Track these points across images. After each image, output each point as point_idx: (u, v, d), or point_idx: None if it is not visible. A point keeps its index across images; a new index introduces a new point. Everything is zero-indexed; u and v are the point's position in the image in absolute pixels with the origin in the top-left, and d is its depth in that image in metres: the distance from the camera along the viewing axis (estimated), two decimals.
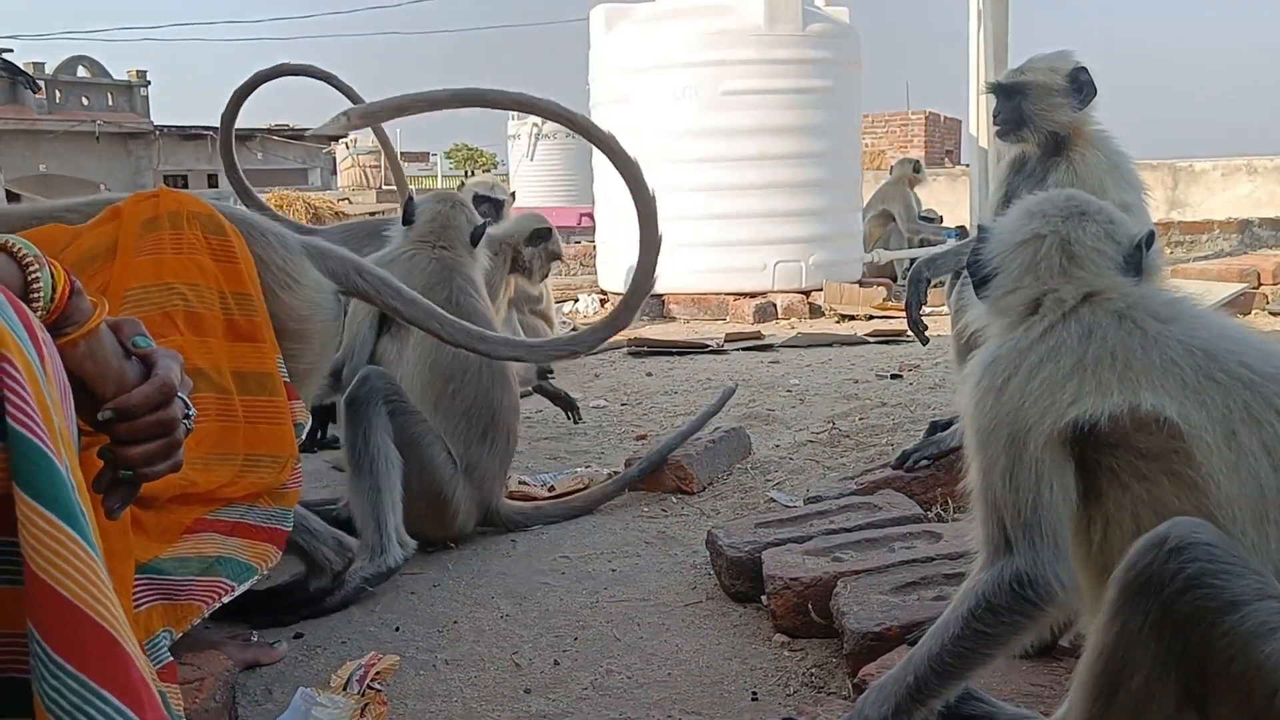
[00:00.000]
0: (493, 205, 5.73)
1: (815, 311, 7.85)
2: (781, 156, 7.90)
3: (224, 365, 2.16)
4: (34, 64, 25.99)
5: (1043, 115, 2.99)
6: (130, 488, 1.27)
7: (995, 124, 3.11)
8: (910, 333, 3.32)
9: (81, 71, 29.09)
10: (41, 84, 25.74)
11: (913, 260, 9.67)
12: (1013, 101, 3.03)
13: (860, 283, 8.31)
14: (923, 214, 10.28)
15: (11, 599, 0.97)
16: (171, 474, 1.30)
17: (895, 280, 9.06)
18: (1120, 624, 1.37)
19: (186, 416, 1.29)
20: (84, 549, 0.97)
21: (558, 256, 4.88)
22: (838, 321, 7.58)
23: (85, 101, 28.49)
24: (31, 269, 1.13)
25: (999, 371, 1.56)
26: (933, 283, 3.26)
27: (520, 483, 3.55)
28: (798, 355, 6.11)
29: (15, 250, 1.14)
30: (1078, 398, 1.48)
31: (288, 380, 2.29)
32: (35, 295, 1.12)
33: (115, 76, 29.72)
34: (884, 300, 7.83)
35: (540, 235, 4.75)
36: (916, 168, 10.23)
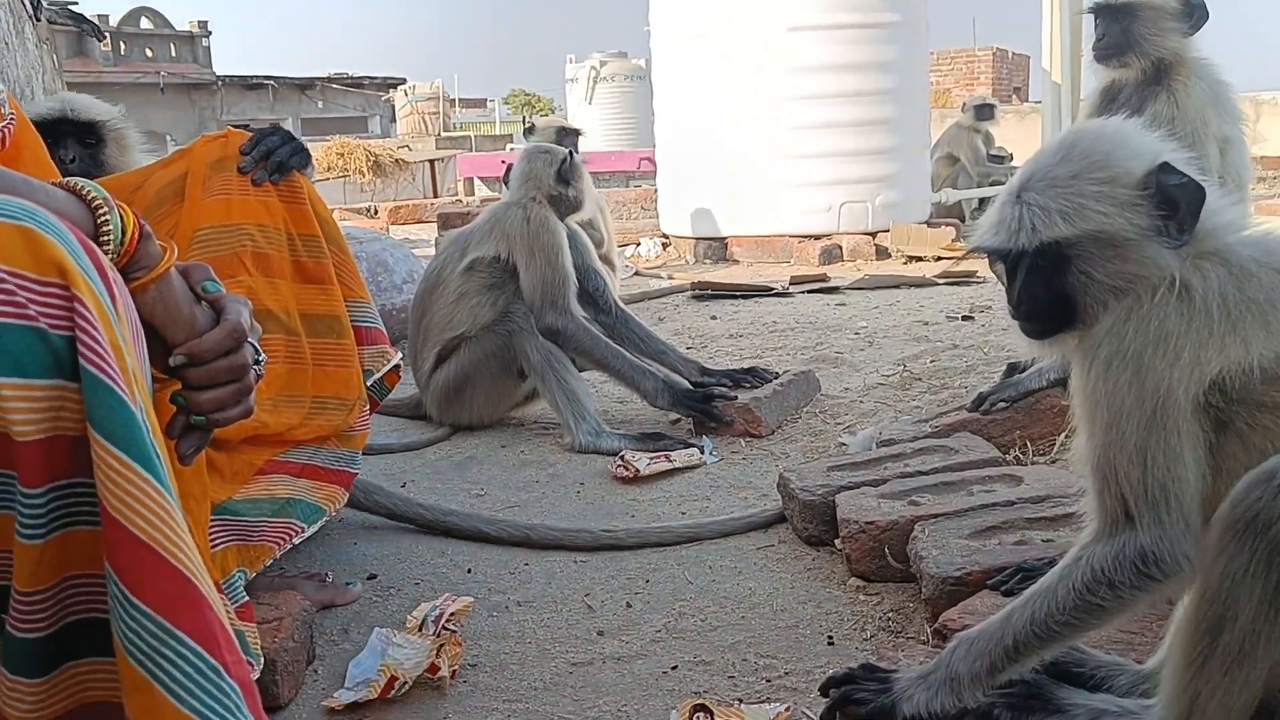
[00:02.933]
0: (572, 136, 5.76)
1: (882, 253, 7.70)
2: (847, 94, 7.70)
3: (292, 307, 2.15)
4: (99, 15, 26.20)
5: (1151, 39, 2.85)
6: (203, 433, 1.26)
7: (1096, 47, 2.96)
8: (992, 273, 3.22)
9: (145, 23, 29.37)
10: (106, 35, 26.02)
11: (982, 200, 9.45)
12: (1121, 24, 2.88)
13: (928, 223, 8.13)
14: (993, 152, 10.01)
15: (90, 540, 0.97)
16: (246, 419, 1.29)
17: (964, 220, 8.86)
18: (1224, 564, 1.30)
19: (256, 362, 1.28)
20: (158, 491, 0.96)
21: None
22: (905, 263, 7.43)
23: (149, 53, 28.78)
24: (101, 212, 1.12)
25: (1129, 342, 1.44)
26: None
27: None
28: (865, 297, 6.00)
29: (85, 193, 1.13)
30: (1222, 353, 1.38)
31: (359, 324, 2.28)
32: (105, 238, 1.11)
33: (177, 27, 29.96)
34: (953, 241, 7.65)
35: (567, 131, 4.83)
36: (985, 113, 9.90)
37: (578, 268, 3.75)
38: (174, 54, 29.39)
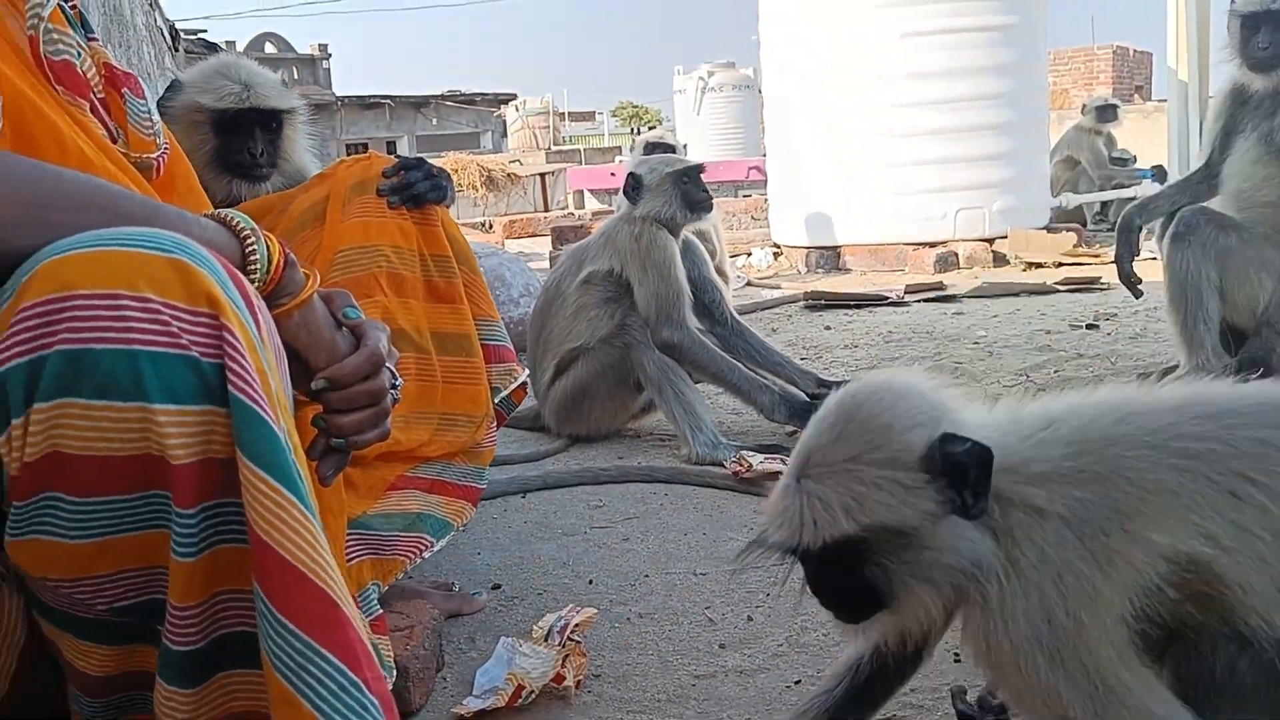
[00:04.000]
0: (664, 151, 5.73)
1: (1000, 260, 7.55)
2: (963, 99, 7.59)
3: (424, 326, 2.22)
4: (227, 42, 27.31)
5: None
6: (342, 455, 1.32)
7: (1256, 55, 2.86)
8: (1120, 283, 3.14)
9: (269, 47, 30.52)
10: None
11: (1105, 205, 9.18)
12: None
13: (1048, 228, 7.94)
14: (1115, 155, 9.71)
15: (238, 558, 1.01)
16: (383, 441, 1.35)
17: (1085, 225, 8.62)
18: None
19: (394, 386, 1.34)
20: (302, 512, 0.99)
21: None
22: (1024, 270, 7.26)
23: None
24: (249, 242, 1.18)
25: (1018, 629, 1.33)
26: (1143, 229, 3.07)
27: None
28: (983, 305, 5.89)
29: (234, 224, 1.19)
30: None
31: (488, 342, 2.34)
32: (252, 267, 1.17)
33: (299, 51, 31.06)
34: (1074, 246, 7.46)
35: (655, 145, 4.85)
36: (1108, 114, 9.61)
37: (693, 280, 3.77)
38: (296, 76, 30.43)
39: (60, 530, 1.03)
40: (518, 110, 28.54)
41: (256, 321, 1.08)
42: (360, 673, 1.01)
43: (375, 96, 31.10)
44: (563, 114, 31.99)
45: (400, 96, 31.70)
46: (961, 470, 1.30)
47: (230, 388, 0.99)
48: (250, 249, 1.18)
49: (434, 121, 32.18)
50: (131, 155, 1.54)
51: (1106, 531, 1.29)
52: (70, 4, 1.68)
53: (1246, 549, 1.26)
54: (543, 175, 19.52)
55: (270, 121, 2.39)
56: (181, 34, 5.23)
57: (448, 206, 2.31)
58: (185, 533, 1.01)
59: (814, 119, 7.92)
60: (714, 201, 3.93)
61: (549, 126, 28.32)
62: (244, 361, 1.01)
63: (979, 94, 7.61)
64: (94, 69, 1.61)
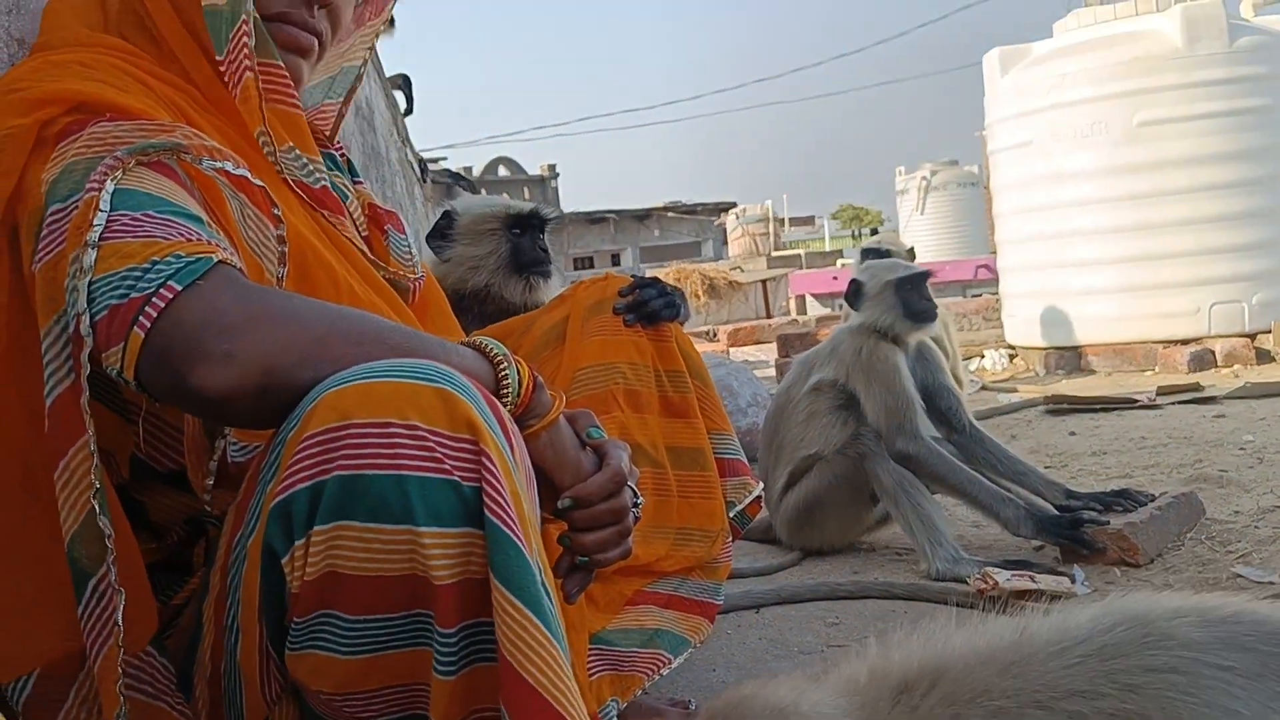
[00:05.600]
0: (880, 258, 5.60)
1: (1263, 357, 6.97)
2: (1209, 187, 7.16)
3: (659, 441, 2.23)
4: (464, 168, 29.30)
5: None
6: (587, 573, 1.34)
7: None
8: None
9: (502, 171, 32.49)
10: (475, 186, 29.05)
11: None
12: None
13: None
14: None
15: (493, 677, 1.02)
16: (625, 560, 1.35)
17: None
18: None
19: (635, 504, 1.35)
20: (547, 637, 1.01)
21: None
22: None
23: (506, 197, 31.69)
24: (502, 367, 1.23)
25: None
26: None
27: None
28: (1247, 407, 5.43)
29: (488, 350, 1.24)
30: None
31: (722, 456, 2.33)
32: (505, 391, 1.21)
33: (530, 172, 32.87)
34: None
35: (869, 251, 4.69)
36: None
37: (928, 385, 3.66)
38: (527, 196, 32.13)
39: (334, 646, 1.08)
40: (737, 218, 28.99)
41: (511, 445, 1.11)
42: None
43: (601, 212, 32.43)
44: (782, 220, 32.27)
45: (624, 210, 32.92)
46: None
47: (486, 511, 1.02)
48: (503, 373, 1.23)
49: (656, 233, 33.16)
50: (390, 274, 1.64)
51: None
52: (339, 149, 1.83)
53: None
54: (764, 282, 19.65)
55: (547, 225, 2.71)
56: (429, 167, 5.62)
57: (682, 323, 2.35)
58: (446, 652, 1.04)
59: (1045, 213, 7.65)
60: (939, 308, 3.81)
61: (769, 233, 28.58)
62: (500, 486, 1.04)
63: (1226, 181, 7.16)
64: (359, 209, 1.74)
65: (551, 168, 34.10)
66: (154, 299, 1.06)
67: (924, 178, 20.08)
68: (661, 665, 2.14)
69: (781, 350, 8.62)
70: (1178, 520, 3.37)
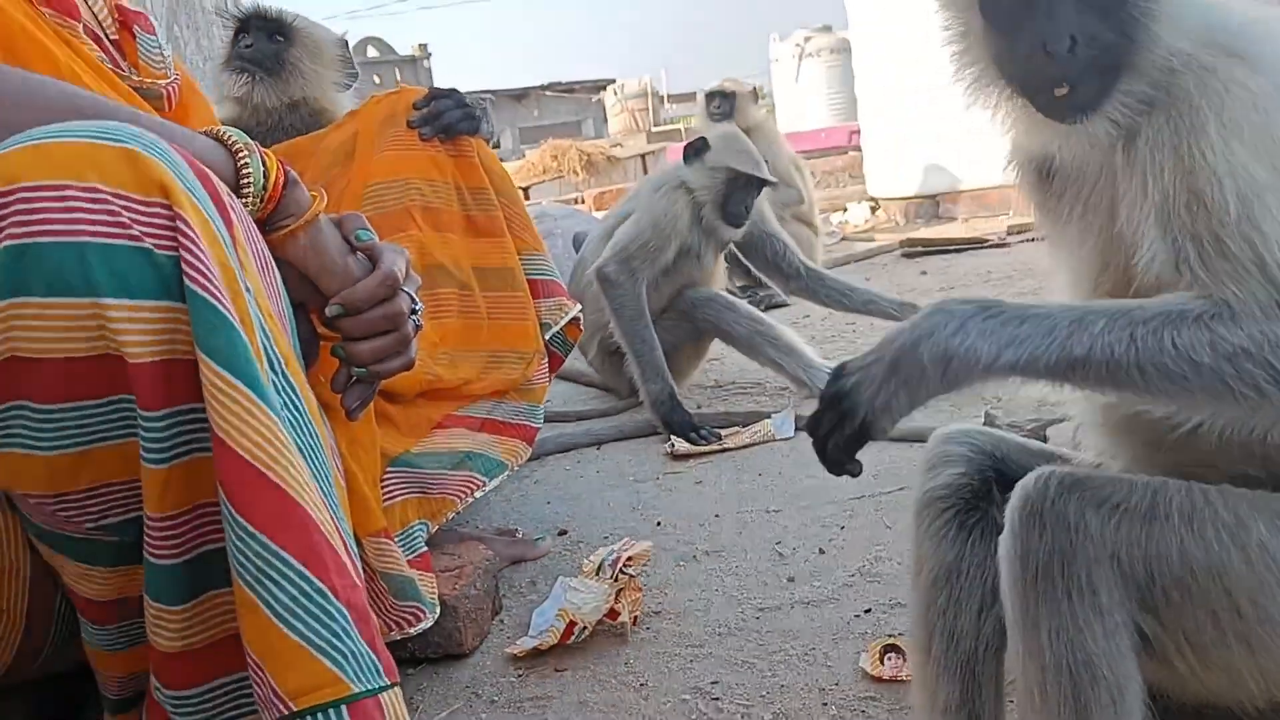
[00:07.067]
0: (725, 99, 5.45)
1: None
2: None
3: (464, 261, 2.15)
4: None
5: None
6: (366, 386, 1.26)
7: None
8: None
9: (371, 51, 31.14)
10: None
11: None
12: None
13: None
14: None
15: (207, 468, 0.95)
16: (408, 370, 1.28)
17: None
18: None
19: (414, 311, 1.26)
20: (262, 410, 0.92)
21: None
22: None
23: (376, 80, 30.51)
24: (241, 156, 1.12)
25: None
26: None
27: None
28: None
29: (226, 139, 1.14)
30: None
31: (534, 277, 2.26)
32: (246, 183, 1.12)
33: (400, 52, 31.65)
34: None
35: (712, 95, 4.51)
36: None
37: (751, 235, 3.60)
38: (399, 77, 30.98)
39: (33, 441, 0.98)
40: (616, 95, 28.50)
41: (227, 220, 1.01)
42: (327, 579, 0.94)
43: (476, 93, 31.38)
44: (662, 96, 31.82)
45: (500, 90, 32.03)
46: None
47: (185, 280, 0.93)
48: (243, 163, 1.12)
49: (535, 113, 32.43)
50: (138, 82, 1.50)
51: None
52: None
53: None
54: (643, 156, 19.42)
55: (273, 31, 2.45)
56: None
57: (485, 139, 2.24)
58: (152, 437, 0.95)
59: (904, 71, 7.63)
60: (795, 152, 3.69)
61: (648, 109, 28.20)
62: (200, 254, 0.94)
63: None
64: (105, 8, 1.58)
65: (424, 47, 32.84)
66: None
67: (798, 45, 19.89)
68: (475, 488, 2.09)
69: None
70: None
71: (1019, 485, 1.15)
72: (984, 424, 2.54)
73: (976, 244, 5.86)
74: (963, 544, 1.29)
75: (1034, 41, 1.14)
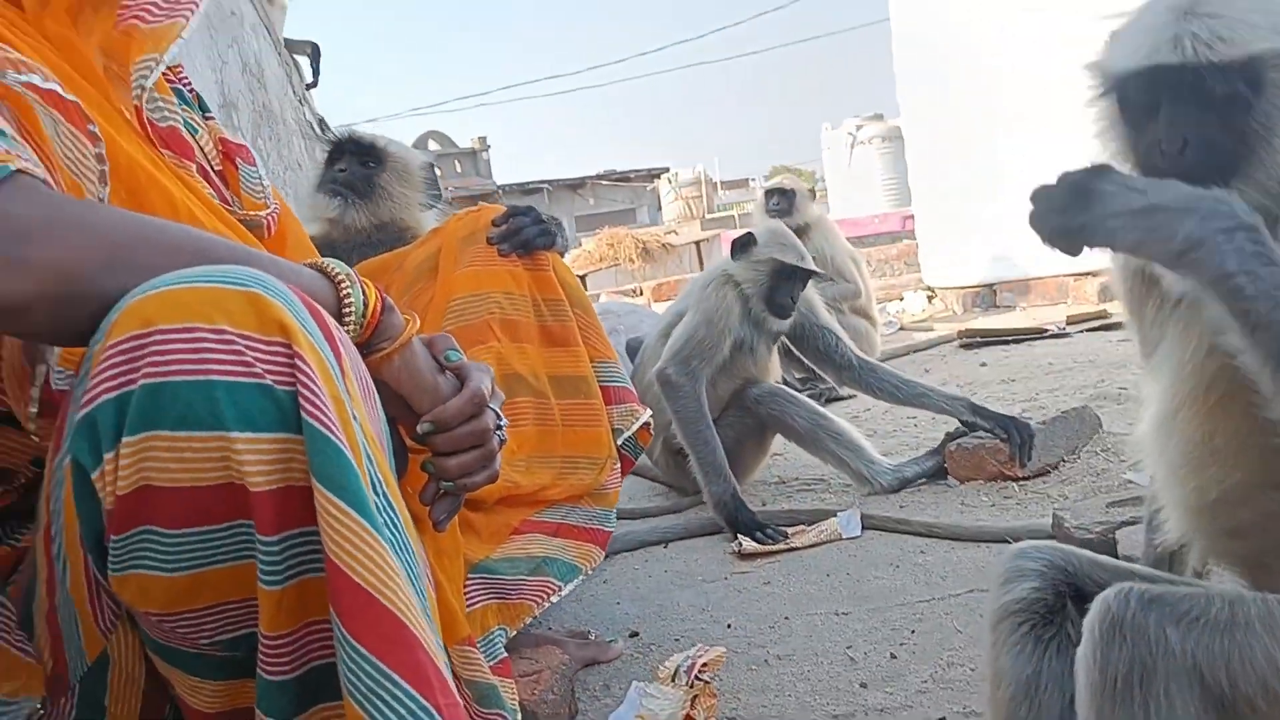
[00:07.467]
0: (783, 196, 5.55)
1: None
2: None
3: (540, 370, 2.23)
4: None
5: None
6: (454, 499, 1.32)
7: None
8: None
9: (433, 145, 31.98)
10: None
11: None
12: None
13: None
14: None
15: (322, 589, 1.01)
16: (492, 483, 1.34)
17: None
18: None
19: (499, 427, 1.33)
20: (372, 535, 0.99)
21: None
22: None
23: (438, 171, 31.26)
24: (343, 286, 1.20)
25: None
26: None
27: None
28: None
29: (329, 270, 1.21)
30: None
31: (606, 384, 2.33)
32: (348, 310, 1.19)
33: (460, 145, 32.48)
34: None
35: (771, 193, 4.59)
36: None
37: (801, 328, 3.66)
38: (459, 169, 31.78)
39: (157, 564, 1.05)
40: (670, 183, 28.95)
41: (337, 354, 1.09)
42: (432, 698, 0.99)
43: (534, 182, 32.15)
44: (716, 183, 32.26)
45: (557, 180, 32.67)
46: None
47: (303, 414, 1.00)
48: (345, 293, 1.20)
49: (591, 201, 32.96)
50: (243, 215, 1.61)
51: None
52: (185, 84, 1.79)
53: None
54: (698, 243, 19.64)
55: (365, 157, 2.68)
56: (332, 128, 5.54)
57: (559, 252, 2.34)
58: (269, 560, 1.02)
59: (959, 160, 7.72)
60: (852, 250, 3.78)
61: (702, 196, 28.58)
62: (315, 388, 1.01)
63: None
64: (210, 143, 1.70)
65: (483, 140, 33.68)
66: None
67: (850, 133, 20.13)
68: (551, 592, 2.15)
69: None
70: (1066, 434, 3.44)
71: (1099, 599, 1.19)
72: (1051, 525, 2.54)
73: (1036, 334, 5.86)
74: (1040, 657, 1.32)
75: (1153, 138, 1.22)
